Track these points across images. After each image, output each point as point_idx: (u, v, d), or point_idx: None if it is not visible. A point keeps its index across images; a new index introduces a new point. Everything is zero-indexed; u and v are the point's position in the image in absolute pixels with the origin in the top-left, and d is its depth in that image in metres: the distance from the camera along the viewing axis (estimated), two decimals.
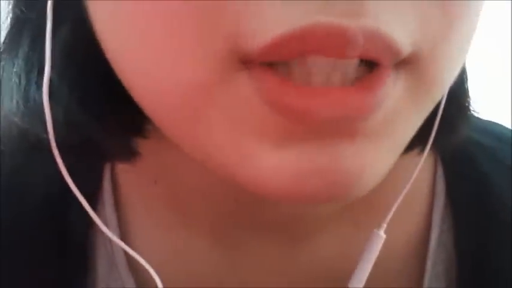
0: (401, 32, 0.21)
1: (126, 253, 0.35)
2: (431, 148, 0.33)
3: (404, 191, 0.31)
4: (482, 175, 0.36)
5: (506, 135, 0.38)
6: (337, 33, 0.20)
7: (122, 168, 0.35)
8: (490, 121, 0.40)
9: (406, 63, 0.22)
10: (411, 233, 0.36)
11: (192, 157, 0.25)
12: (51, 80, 0.27)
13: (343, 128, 0.21)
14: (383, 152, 0.23)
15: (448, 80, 0.25)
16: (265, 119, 0.21)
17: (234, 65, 0.21)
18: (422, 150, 0.32)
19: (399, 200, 0.31)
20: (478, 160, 0.36)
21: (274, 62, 0.21)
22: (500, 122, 0.40)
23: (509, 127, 0.40)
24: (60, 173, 0.27)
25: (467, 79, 0.33)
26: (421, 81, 0.23)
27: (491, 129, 0.39)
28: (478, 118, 0.38)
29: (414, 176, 0.32)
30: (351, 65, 0.21)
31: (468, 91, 0.33)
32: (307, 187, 0.22)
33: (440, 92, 0.25)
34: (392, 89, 0.22)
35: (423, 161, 0.33)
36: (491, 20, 1.03)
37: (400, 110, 0.23)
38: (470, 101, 0.33)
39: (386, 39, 0.20)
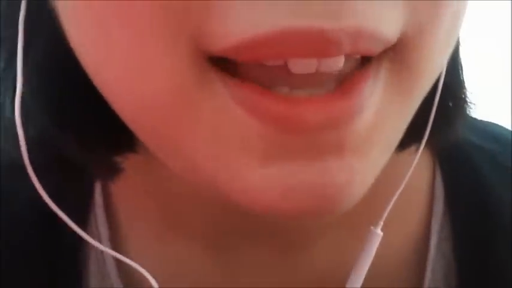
0: (389, 22, 0.20)
1: (117, 263, 0.34)
2: (430, 151, 0.33)
3: (401, 187, 0.31)
4: (482, 179, 0.35)
5: (506, 137, 0.38)
6: (317, 36, 0.19)
7: None
8: (489, 122, 0.39)
9: (392, 51, 0.21)
10: (410, 238, 0.35)
11: (179, 173, 0.24)
12: (25, 98, 0.26)
13: (329, 141, 0.21)
14: (372, 160, 0.22)
15: (436, 68, 0.24)
16: (246, 128, 0.21)
17: (205, 66, 0.20)
18: (419, 148, 0.31)
19: (396, 196, 0.31)
20: (477, 164, 0.35)
21: (253, 74, 0.20)
22: (500, 123, 0.40)
23: (509, 128, 0.40)
24: (48, 185, 0.27)
25: (462, 71, 0.32)
26: (406, 68, 0.22)
27: (491, 132, 0.38)
28: (477, 120, 0.37)
29: (410, 171, 0.31)
30: (333, 74, 0.21)
31: (464, 83, 0.32)
32: (295, 203, 0.21)
33: (428, 80, 0.24)
34: (373, 86, 0.21)
35: (422, 165, 0.32)
36: (491, 20, 1.03)
37: (386, 108, 0.22)
38: (467, 93, 0.33)
39: (372, 35, 0.20)
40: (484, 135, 0.37)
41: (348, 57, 0.21)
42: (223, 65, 0.21)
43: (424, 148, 0.35)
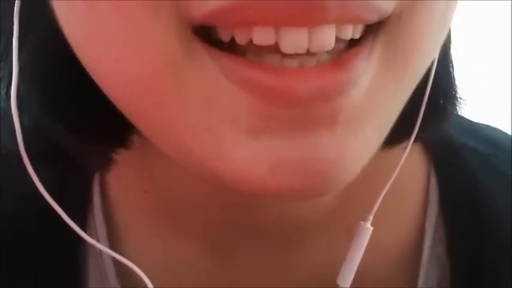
0: None
1: (115, 263, 0.34)
2: (424, 153, 0.32)
3: (391, 180, 0.31)
4: (476, 182, 0.35)
5: (502, 140, 0.38)
6: (305, 4, 0.18)
7: (111, 177, 0.35)
8: (486, 125, 0.39)
9: (385, 27, 0.21)
10: (404, 239, 0.35)
11: (174, 158, 0.24)
12: (21, 89, 0.26)
13: (321, 113, 0.20)
14: (365, 137, 0.22)
15: (429, 50, 0.24)
16: (236, 101, 0.20)
17: (190, 36, 0.20)
18: (409, 143, 0.31)
19: (386, 189, 0.30)
20: (472, 167, 0.35)
21: (241, 48, 0.20)
22: (500, 123, 0.40)
23: (509, 127, 0.39)
24: (46, 180, 0.27)
25: (453, 67, 0.32)
26: (399, 51, 0.22)
27: (486, 135, 0.38)
28: (473, 122, 0.37)
29: (400, 164, 0.31)
30: (326, 47, 0.20)
31: (454, 79, 0.32)
32: (282, 180, 0.21)
33: (420, 65, 0.24)
34: (367, 63, 0.21)
35: (416, 167, 0.32)
36: (491, 20, 1.03)
37: (379, 87, 0.22)
38: (457, 89, 0.32)
39: (361, 2, 0.19)
40: (480, 139, 0.37)
41: (339, 29, 0.20)
42: (210, 37, 0.20)
43: (418, 150, 0.35)
